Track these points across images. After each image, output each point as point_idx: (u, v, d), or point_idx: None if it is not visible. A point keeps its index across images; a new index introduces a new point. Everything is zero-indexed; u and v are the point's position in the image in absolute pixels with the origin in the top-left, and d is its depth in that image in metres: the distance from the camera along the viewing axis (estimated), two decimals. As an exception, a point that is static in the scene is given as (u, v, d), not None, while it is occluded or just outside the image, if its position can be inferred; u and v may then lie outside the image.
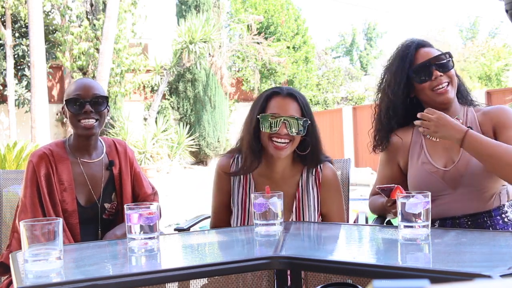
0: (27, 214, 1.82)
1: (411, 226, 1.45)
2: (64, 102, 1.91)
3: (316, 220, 1.93)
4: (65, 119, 2.02)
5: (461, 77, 1.97)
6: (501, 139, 1.77)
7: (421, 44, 1.90)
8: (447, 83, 1.83)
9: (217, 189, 1.99)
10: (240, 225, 1.92)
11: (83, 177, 1.93)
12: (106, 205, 1.98)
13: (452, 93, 1.84)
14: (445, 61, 1.85)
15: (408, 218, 1.45)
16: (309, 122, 1.81)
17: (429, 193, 1.47)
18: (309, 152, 1.86)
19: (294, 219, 1.91)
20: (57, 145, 1.96)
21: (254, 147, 1.84)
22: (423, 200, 1.45)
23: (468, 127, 1.81)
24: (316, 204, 1.91)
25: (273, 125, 1.77)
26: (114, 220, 2.00)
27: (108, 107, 1.96)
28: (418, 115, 1.77)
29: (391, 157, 1.99)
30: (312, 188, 1.91)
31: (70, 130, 2.04)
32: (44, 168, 1.86)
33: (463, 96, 1.95)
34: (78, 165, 1.93)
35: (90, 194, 1.94)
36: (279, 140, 1.78)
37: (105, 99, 1.93)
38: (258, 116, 1.82)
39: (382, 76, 1.98)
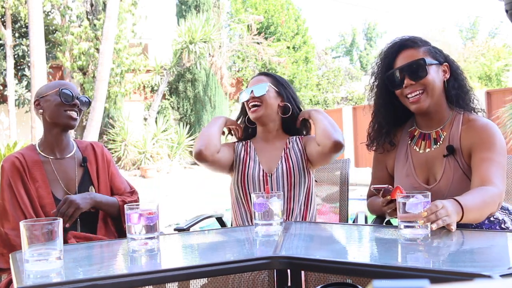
0: (7, 217, 1.87)
1: (411, 226, 1.45)
2: (56, 92, 1.99)
3: (302, 161, 2.14)
4: (40, 111, 2.11)
5: (462, 79, 1.85)
6: (474, 159, 1.73)
7: (405, 46, 1.82)
8: (420, 92, 1.77)
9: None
10: (241, 184, 2.12)
11: (55, 174, 1.99)
12: None
13: (426, 102, 1.77)
14: (418, 68, 1.76)
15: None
16: (274, 87, 2.20)
17: (429, 193, 1.47)
18: (290, 116, 2.22)
19: (283, 163, 2.12)
20: (28, 148, 2.05)
21: (242, 118, 2.33)
22: (423, 200, 1.45)
23: (448, 145, 1.78)
24: (301, 148, 2.20)
25: (246, 95, 2.23)
26: (96, 213, 2.00)
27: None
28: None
29: (381, 159, 2.01)
30: (297, 144, 2.23)
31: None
32: (16, 172, 1.93)
33: (456, 100, 1.82)
34: (49, 163, 2.01)
35: (64, 190, 1.99)
36: (251, 104, 2.19)
37: (89, 103, 2.11)
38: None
39: (370, 78, 1.99)
